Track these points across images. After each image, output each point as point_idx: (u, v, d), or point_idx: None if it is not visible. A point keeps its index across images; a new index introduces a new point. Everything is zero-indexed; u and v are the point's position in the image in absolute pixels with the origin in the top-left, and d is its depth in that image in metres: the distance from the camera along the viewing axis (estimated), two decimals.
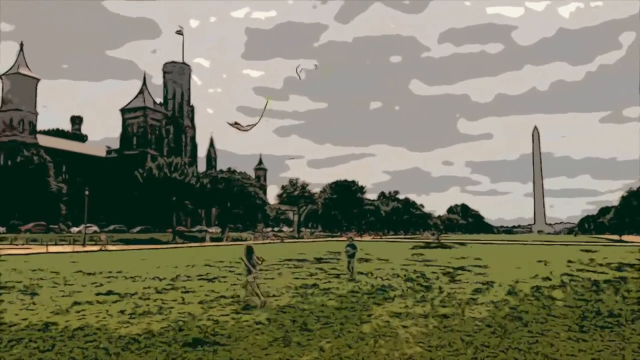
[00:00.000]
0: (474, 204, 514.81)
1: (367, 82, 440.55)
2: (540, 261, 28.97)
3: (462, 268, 24.14)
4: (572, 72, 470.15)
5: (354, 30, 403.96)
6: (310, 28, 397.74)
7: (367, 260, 29.06)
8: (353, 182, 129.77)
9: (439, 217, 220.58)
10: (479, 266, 25.39)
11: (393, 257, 33.44)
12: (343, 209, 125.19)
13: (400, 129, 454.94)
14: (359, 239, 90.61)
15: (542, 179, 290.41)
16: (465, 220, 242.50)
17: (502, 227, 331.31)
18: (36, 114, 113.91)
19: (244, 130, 12.56)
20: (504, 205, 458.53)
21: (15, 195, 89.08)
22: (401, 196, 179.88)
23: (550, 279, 18.74)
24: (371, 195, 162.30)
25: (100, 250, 43.50)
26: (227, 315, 11.08)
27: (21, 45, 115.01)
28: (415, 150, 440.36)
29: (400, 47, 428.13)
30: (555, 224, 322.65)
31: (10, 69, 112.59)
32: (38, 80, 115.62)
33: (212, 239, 75.49)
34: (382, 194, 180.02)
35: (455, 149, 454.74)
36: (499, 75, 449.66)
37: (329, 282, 17.69)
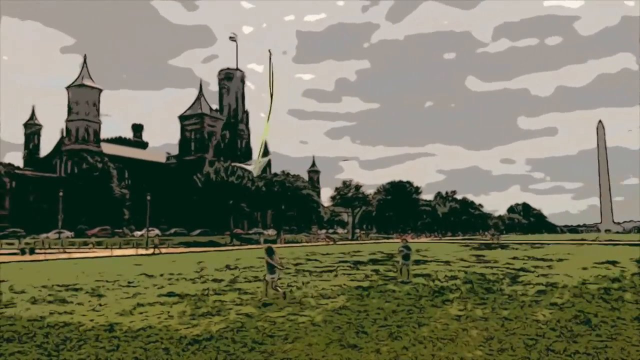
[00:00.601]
0: (536, 202, 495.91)
1: (420, 81, 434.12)
2: (608, 261, 27.59)
3: (523, 269, 23.34)
4: (638, 62, 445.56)
5: (406, 28, 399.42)
6: (361, 28, 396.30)
7: (424, 262, 28.61)
8: (408, 182, 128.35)
9: (499, 217, 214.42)
10: (542, 267, 24.47)
11: (451, 258, 32.78)
12: (398, 210, 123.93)
13: (456, 127, 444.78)
14: (415, 240, 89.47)
15: (608, 175, 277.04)
16: (527, 220, 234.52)
17: (566, 226, 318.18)
18: (100, 123, 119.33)
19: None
20: (568, 203, 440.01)
21: (81, 201, 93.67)
22: (459, 196, 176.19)
23: (619, 280, 17.79)
24: (427, 196, 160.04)
25: (154, 253, 44.59)
26: (283, 316, 11.15)
27: (84, 57, 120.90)
28: (472, 148, 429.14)
29: (454, 43, 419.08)
30: (624, 222, 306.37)
31: (75, 81, 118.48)
32: (101, 90, 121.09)
33: (267, 241, 76.62)
34: (439, 194, 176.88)
35: (516, 146, 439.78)
36: (560, 69, 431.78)
37: (385, 284, 17.50)
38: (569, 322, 10.26)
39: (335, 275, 20.98)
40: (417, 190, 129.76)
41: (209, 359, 7.66)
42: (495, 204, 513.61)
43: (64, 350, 8.12)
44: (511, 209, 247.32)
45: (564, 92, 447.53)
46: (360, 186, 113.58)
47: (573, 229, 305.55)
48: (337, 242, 75.85)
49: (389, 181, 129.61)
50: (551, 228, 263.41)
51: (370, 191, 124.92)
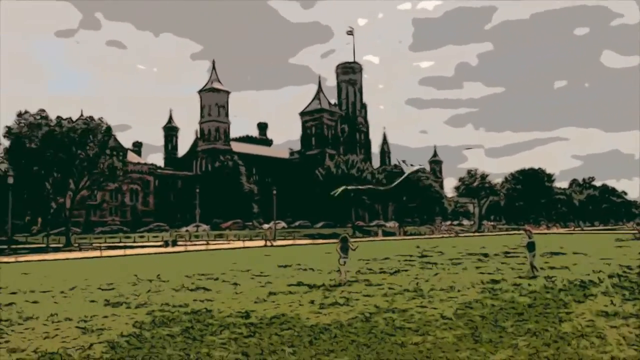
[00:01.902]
0: None
1: (549, 60, 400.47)
2: None
3: None
4: None
5: (531, 6, 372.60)
6: (482, 10, 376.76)
7: (561, 254, 26.69)
8: (540, 169, 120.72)
9: None
10: None
11: (591, 250, 30.20)
12: (529, 199, 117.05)
13: (592, 108, 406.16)
14: (548, 231, 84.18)
15: None
16: None
17: None
18: (229, 123, 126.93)
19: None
20: None
21: (215, 197, 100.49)
22: (597, 183, 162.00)
23: None
24: (561, 184, 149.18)
25: (266, 245, 45.15)
26: (411, 308, 11.00)
27: (213, 63, 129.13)
28: (612, 130, 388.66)
29: (586, 17, 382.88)
30: None
31: (206, 85, 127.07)
32: (229, 93, 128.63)
33: (386, 234, 76.76)
34: (575, 182, 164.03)
35: None
36: None
37: (519, 277, 16.56)
38: None
39: (464, 268, 20.31)
40: (550, 177, 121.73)
41: (340, 347, 7.77)
42: None
43: (207, 335, 8.73)
44: None
45: None
46: (487, 175, 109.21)
47: None
48: (459, 235, 73.42)
49: (517, 169, 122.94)
50: None
51: (497, 180, 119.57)
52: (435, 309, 10.92)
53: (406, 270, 19.52)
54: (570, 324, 9.14)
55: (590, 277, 16.09)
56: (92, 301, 12.93)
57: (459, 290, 13.61)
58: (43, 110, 61.42)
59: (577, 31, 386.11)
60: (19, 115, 60.54)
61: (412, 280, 16.25)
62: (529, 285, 14.36)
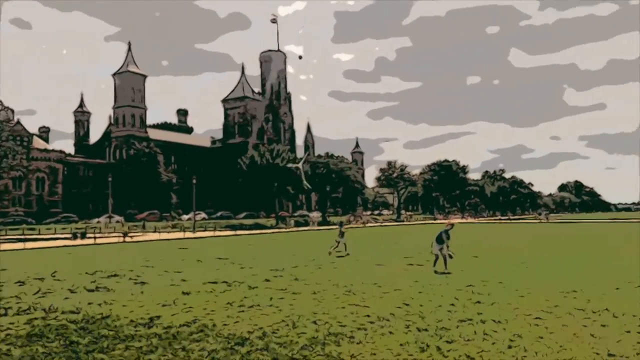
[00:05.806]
0: (588, 181, 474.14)
1: (462, 57, 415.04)
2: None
3: None
4: None
5: (446, 3, 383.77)
6: (400, 5, 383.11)
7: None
8: (454, 161, 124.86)
9: (550, 195, 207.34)
10: None
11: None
12: (444, 190, 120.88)
13: (501, 104, 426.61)
14: (461, 221, 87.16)
15: None
16: (579, 199, 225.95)
17: (619, 204, 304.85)
18: (145, 109, 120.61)
19: None
20: (622, 181, 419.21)
21: (130, 186, 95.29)
22: (507, 175, 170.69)
23: None
24: (473, 175, 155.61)
25: (124, 241, 39.70)
26: (343, 307, 9.78)
27: (129, 45, 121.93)
28: (518, 125, 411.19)
29: (497, 16, 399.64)
30: None
31: (120, 68, 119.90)
32: (145, 77, 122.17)
33: (298, 224, 76.58)
34: (487, 173, 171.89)
35: (563, 123, 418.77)
36: (611, 39, 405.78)
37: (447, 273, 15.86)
38: None
39: (382, 265, 19.53)
40: (464, 169, 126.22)
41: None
42: (544, 182, 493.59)
43: (96, 352, 6.99)
44: (562, 187, 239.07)
45: (616, 64, 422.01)
46: (405, 166, 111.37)
47: (628, 208, 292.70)
48: (367, 225, 74.51)
49: (432, 161, 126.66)
50: (606, 207, 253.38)
51: (415, 171, 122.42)
52: (368, 307, 9.79)
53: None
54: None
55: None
56: None
57: (389, 287, 12.61)
58: None
59: (488, 30, 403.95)
60: None
61: (347, 282, 15.14)
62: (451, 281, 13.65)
